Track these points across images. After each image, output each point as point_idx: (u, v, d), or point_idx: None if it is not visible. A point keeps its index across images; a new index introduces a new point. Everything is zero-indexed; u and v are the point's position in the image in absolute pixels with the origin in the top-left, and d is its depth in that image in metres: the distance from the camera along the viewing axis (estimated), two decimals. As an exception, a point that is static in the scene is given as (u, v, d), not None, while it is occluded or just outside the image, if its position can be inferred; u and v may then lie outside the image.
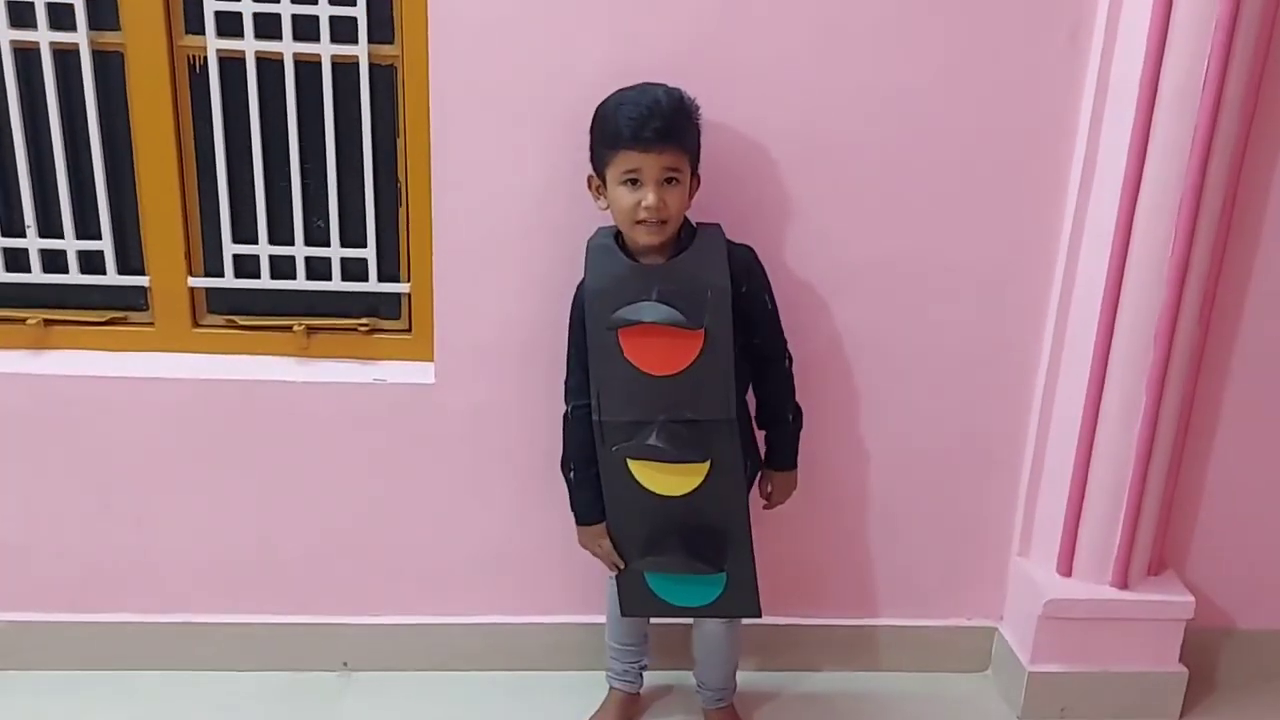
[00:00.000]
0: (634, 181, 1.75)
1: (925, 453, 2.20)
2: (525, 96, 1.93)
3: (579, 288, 1.88)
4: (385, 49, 1.99)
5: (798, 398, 1.99)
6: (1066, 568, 2.19)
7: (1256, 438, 2.24)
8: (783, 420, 1.98)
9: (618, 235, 1.85)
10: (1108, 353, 2.04)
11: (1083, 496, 2.14)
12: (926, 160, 2.01)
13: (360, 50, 1.97)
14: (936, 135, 2.00)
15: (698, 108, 1.81)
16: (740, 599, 1.96)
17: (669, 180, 1.75)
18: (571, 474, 1.94)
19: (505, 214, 1.99)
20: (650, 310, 1.78)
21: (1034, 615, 2.18)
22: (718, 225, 1.86)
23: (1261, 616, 2.38)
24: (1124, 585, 2.17)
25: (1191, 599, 2.19)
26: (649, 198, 1.73)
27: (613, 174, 1.77)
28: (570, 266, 1.94)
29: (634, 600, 1.99)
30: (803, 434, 2.03)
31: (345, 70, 1.99)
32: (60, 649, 2.19)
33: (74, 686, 2.16)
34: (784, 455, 2.01)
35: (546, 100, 1.93)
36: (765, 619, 2.16)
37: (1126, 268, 1.98)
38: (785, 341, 1.95)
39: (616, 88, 1.88)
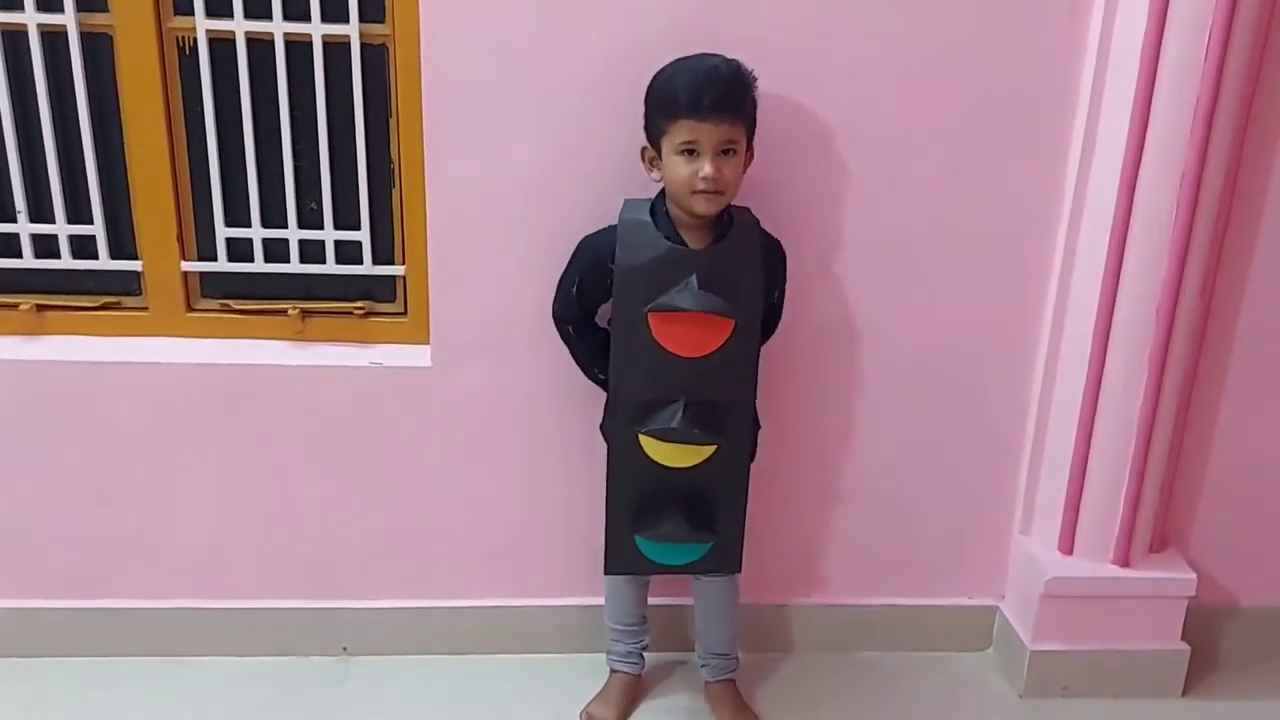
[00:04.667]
0: (691, 152, 1.73)
1: (926, 432, 2.19)
2: (518, 74, 1.91)
3: (591, 244, 1.89)
4: (376, 28, 1.97)
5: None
6: (1068, 546, 2.18)
7: (1260, 414, 2.23)
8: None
9: (652, 210, 1.83)
10: (1109, 328, 2.03)
11: (1084, 474, 2.13)
12: (926, 135, 1.99)
13: (351, 30, 1.95)
14: (936, 110, 1.98)
15: (755, 78, 1.78)
16: (724, 556, 1.99)
17: (726, 151, 1.74)
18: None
19: (500, 194, 1.98)
20: (698, 299, 1.78)
21: (1035, 594, 2.17)
22: (747, 209, 1.87)
23: (1264, 594, 2.37)
24: (1126, 563, 2.17)
25: (1193, 576, 2.18)
26: (706, 168, 1.72)
27: (669, 144, 1.75)
28: (567, 246, 1.93)
29: (620, 559, 1.98)
30: (799, 411, 2.01)
31: (336, 50, 1.97)
32: (59, 635, 2.19)
33: (73, 673, 2.16)
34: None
35: (540, 78, 1.91)
36: (767, 600, 2.17)
37: (1128, 242, 1.97)
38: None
39: (611, 65, 1.88)
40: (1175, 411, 2.11)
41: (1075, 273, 2.06)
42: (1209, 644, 2.33)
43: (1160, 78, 1.87)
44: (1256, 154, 2.03)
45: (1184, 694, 2.24)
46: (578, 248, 1.90)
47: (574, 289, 1.90)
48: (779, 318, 1.99)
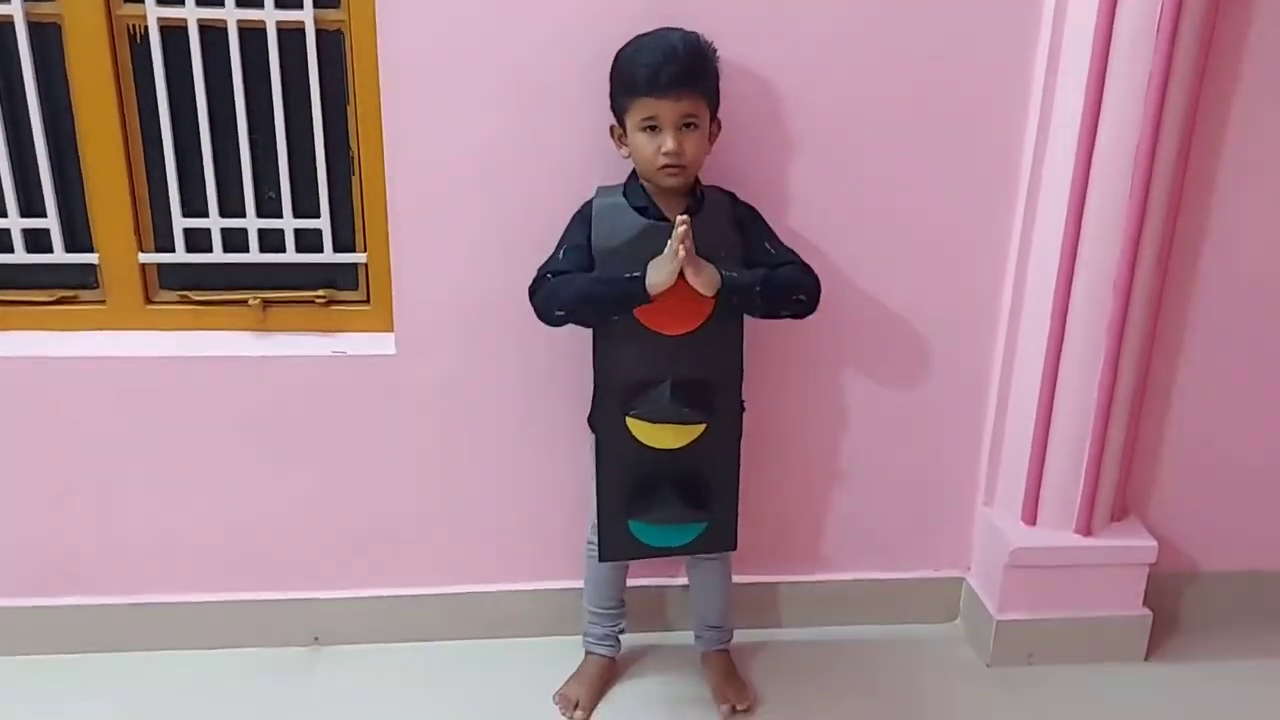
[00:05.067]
0: (653, 128, 1.76)
1: (891, 407, 2.21)
2: (477, 58, 1.90)
3: (580, 214, 1.87)
4: (331, 14, 1.94)
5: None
6: (1031, 517, 2.21)
7: (1215, 384, 2.27)
8: (762, 273, 1.83)
9: (625, 192, 1.85)
10: (1068, 302, 2.05)
11: (1046, 446, 2.16)
12: (883, 113, 2.00)
13: (306, 15, 1.92)
14: (893, 87, 1.99)
15: (715, 51, 1.81)
16: (720, 535, 1.99)
17: (687, 125, 1.76)
18: (579, 292, 1.80)
19: (461, 179, 1.97)
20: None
21: (1000, 564, 2.21)
22: (717, 187, 1.90)
23: (1223, 559, 2.42)
24: (1088, 532, 2.20)
25: (1154, 544, 2.22)
26: (667, 143, 1.75)
27: (632, 121, 1.78)
28: (530, 230, 1.93)
29: (614, 545, 1.98)
30: (761, 390, 2.01)
31: (291, 37, 1.94)
32: (25, 635, 2.16)
33: (41, 672, 2.14)
34: (733, 273, 1.80)
35: (499, 61, 1.90)
36: (740, 577, 2.18)
37: (1084, 216, 1.99)
38: (801, 261, 1.91)
39: (571, 45, 1.87)
40: (1133, 383, 2.14)
41: (1034, 247, 2.08)
42: (1170, 609, 2.38)
43: (1114, 51, 1.89)
44: (1209, 128, 2.06)
45: (1146, 658, 2.29)
46: (570, 222, 1.88)
47: (562, 252, 1.85)
48: (801, 264, 1.89)
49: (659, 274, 1.74)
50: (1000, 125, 2.04)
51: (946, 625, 2.38)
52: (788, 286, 1.86)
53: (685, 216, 1.72)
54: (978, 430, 2.25)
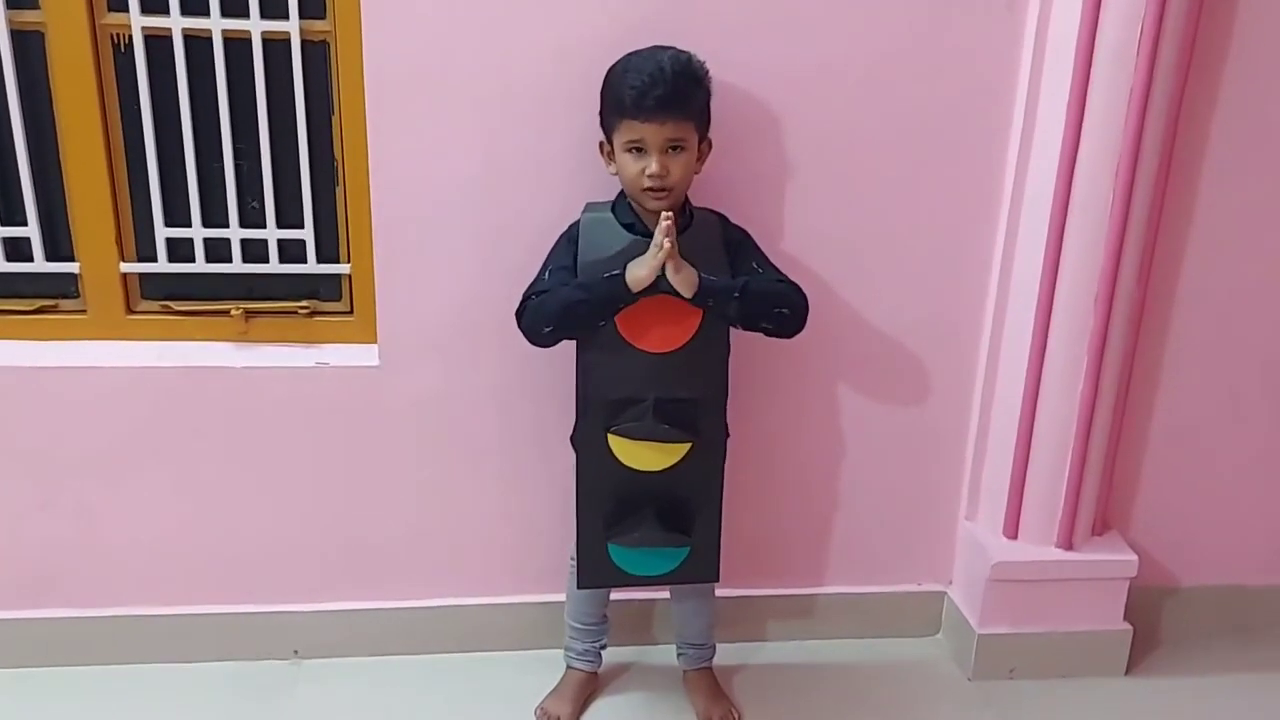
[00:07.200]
0: (639, 149, 1.75)
1: (873, 422, 2.22)
2: (463, 70, 1.90)
3: (572, 227, 1.86)
4: (317, 24, 1.95)
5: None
6: (1013, 531, 2.22)
7: (1196, 399, 2.29)
8: (743, 280, 1.81)
9: (614, 208, 1.85)
10: (1049, 317, 2.06)
11: (1027, 460, 2.17)
12: (867, 131, 2.01)
13: (291, 26, 1.92)
14: (877, 104, 2.00)
15: (706, 71, 1.80)
16: (701, 565, 1.97)
17: (673, 148, 1.75)
18: (566, 303, 1.78)
19: (446, 191, 1.97)
20: (660, 281, 1.75)
21: (982, 578, 2.21)
22: (710, 210, 1.89)
23: (1203, 574, 2.43)
24: (1069, 546, 2.21)
25: (1135, 558, 2.23)
26: (652, 165, 1.74)
27: (618, 141, 1.78)
28: (513, 243, 1.93)
29: (593, 572, 1.96)
30: (747, 404, 2.01)
31: (277, 47, 1.94)
32: (4, 646, 2.14)
33: (20, 684, 2.11)
34: (713, 276, 1.78)
35: (485, 74, 1.90)
36: (723, 591, 2.17)
37: (1066, 232, 2.00)
38: (791, 281, 1.88)
39: (559, 59, 1.88)
40: (1114, 397, 2.15)
41: (1016, 263, 2.09)
42: (1150, 623, 2.39)
43: (1095, 69, 1.91)
44: (1189, 144, 2.08)
45: (1127, 672, 2.30)
46: (557, 242, 1.88)
47: (548, 273, 1.84)
48: (789, 283, 1.87)
49: (640, 269, 1.73)
50: (984, 142, 2.05)
51: (929, 639, 2.39)
52: (769, 296, 1.84)
53: (669, 212, 1.71)
54: (960, 445, 2.26)
